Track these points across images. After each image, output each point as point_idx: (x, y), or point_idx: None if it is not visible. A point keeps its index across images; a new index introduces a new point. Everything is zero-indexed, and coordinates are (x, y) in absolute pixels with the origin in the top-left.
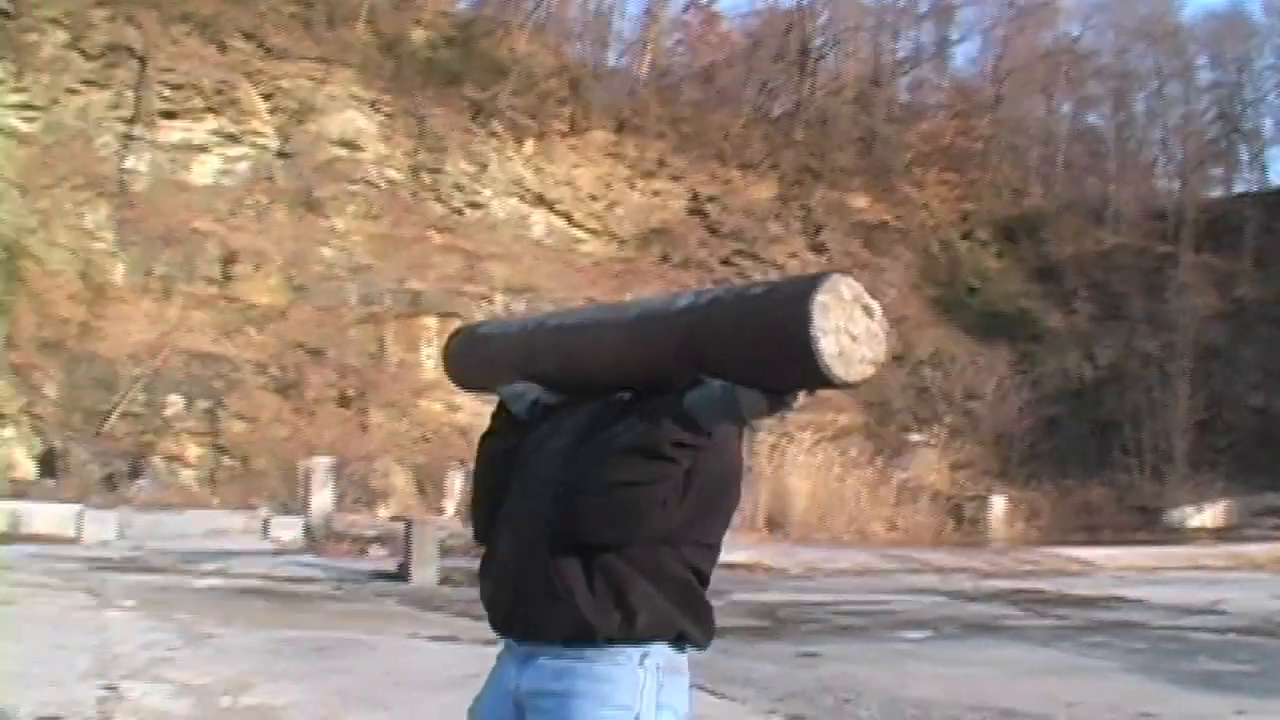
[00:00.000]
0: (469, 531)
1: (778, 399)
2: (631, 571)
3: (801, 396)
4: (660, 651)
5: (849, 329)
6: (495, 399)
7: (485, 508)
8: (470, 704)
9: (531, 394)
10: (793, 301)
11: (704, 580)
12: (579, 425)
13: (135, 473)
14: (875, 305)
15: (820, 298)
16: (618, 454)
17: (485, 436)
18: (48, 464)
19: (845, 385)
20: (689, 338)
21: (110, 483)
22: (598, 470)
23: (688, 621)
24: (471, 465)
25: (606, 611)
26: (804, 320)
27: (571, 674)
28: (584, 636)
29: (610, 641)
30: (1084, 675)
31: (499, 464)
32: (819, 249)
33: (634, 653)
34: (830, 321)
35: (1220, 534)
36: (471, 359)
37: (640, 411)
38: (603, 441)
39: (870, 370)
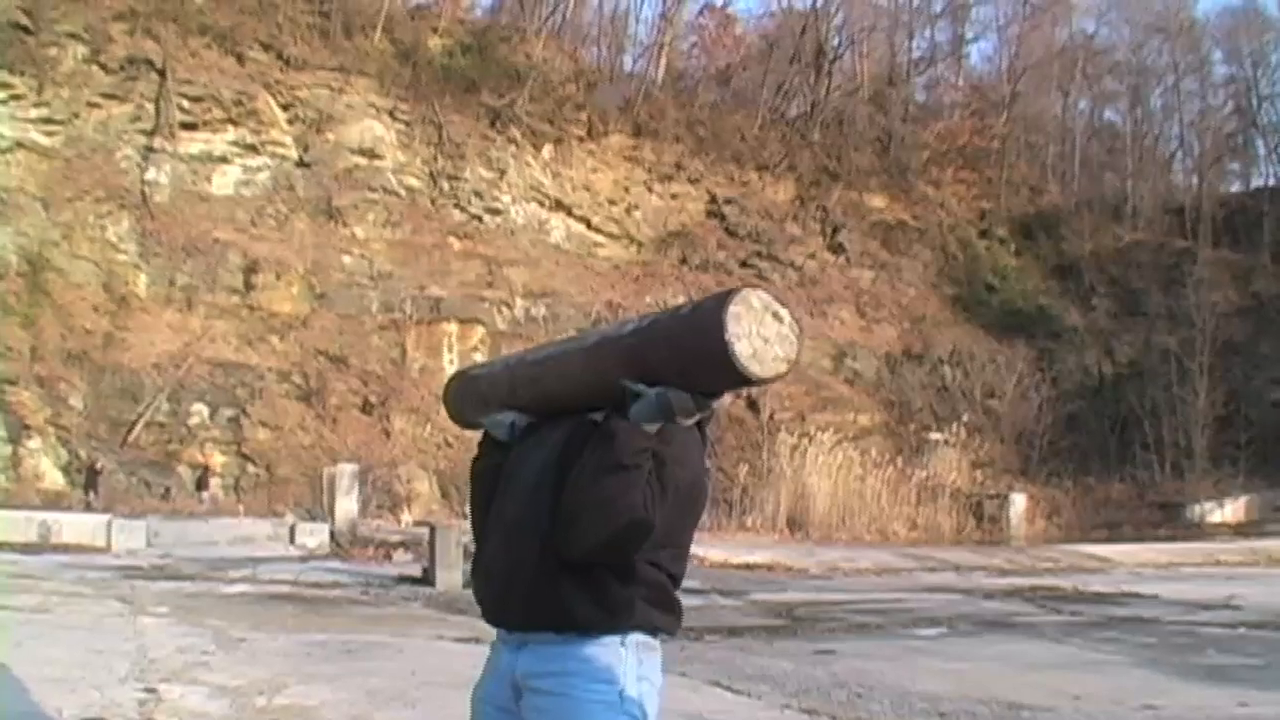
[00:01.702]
0: None
1: (701, 398)
2: (613, 579)
3: (728, 396)
4: (636, 635)
5: (761, 333)
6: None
7: (480, 522)
8: (472, 691)
9: (509, 418)
10: (710, 314)
11: (676, 581)
12: (558, 440)
13: (201, 484)
14: (784, 311)
15: (733, 309)
16: (591, 478)
17: (475, 460)
18: (90, 477)
19: (763, 381)
20: (634, 354)
21: (149, 491)
22: (581, 497)
23: (660, 616)
24: None
25: (590, 610)
26: (720, 329)
27: (563, 657)
28: (571, 628)
29: (594, 630)
30: (1092, 669)
31: (486, 480)
32: (837, 249)
33: (616, 638)
34: (743, 327)
35: (1240, 529)
36: (467, 398)
37: (597, 436)
38: (579, 468)
39: (784, 367)
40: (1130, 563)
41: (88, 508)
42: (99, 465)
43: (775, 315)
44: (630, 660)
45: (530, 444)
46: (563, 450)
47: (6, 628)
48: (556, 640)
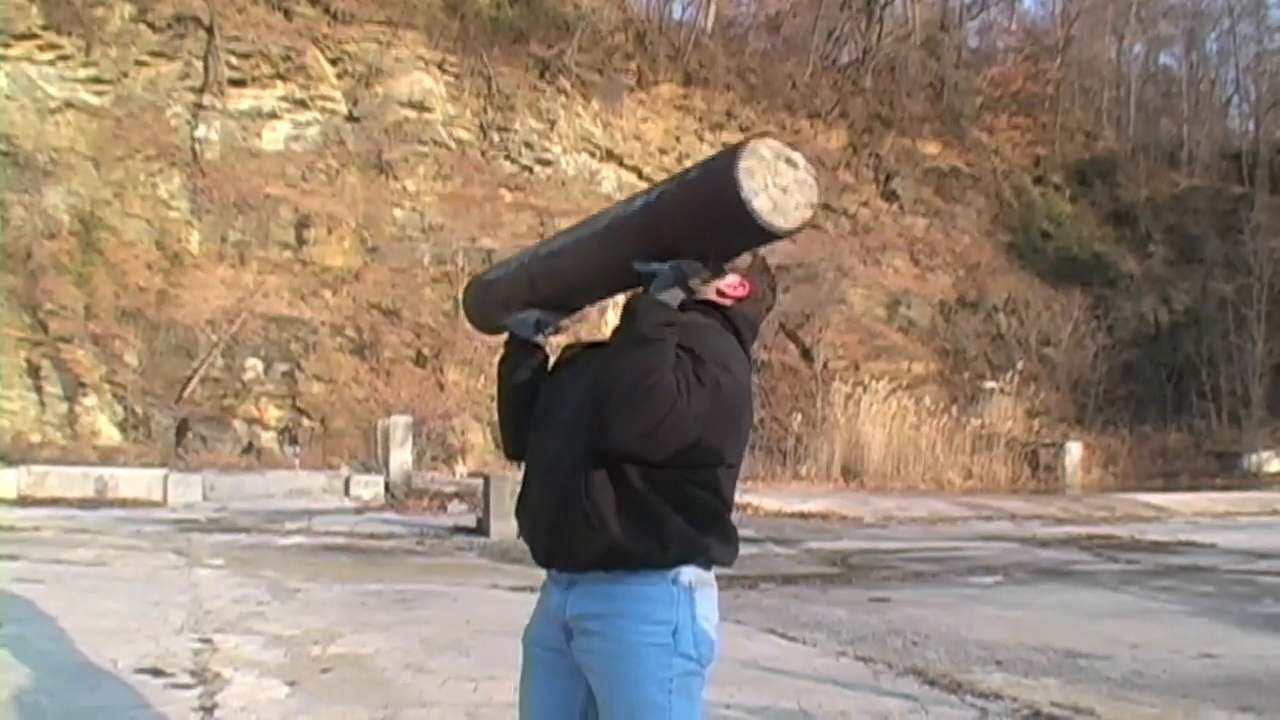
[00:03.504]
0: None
1: (714, 260)
2: (662, 504)
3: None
4: (690, 570)
5: (777, 183)
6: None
7: (510, 425)
8: (523, 634)
9: (533, 315)
10: (721, 174)
11: (727, 502)
12: (593, 374)
13: (292, 439)
14: (797, 156)
15: (744, 164)
16: (619, 356)
17: (501, 361)
18: (180, 434)
19: (788, 233)
20: (647, 230)
21: (205, 446)
22: (609, 376)
23: (716, 546)
24: None
25: (640, 540)
26: (735, 188)
27: (612, 596)
28: (620, 563)
29: (645, 566)
30: (1150, 618)
31: (512, 378)
32: (890, 197)
33: (666, 573)
34: (758, 181)
35: None
36: (486, 304)
37: (620, 318)
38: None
39: (808, 213)
40: (1187, 512)
41: (176, 459)
42: (142, 415)
43: (789, 161)
44: (683, 597)
45: (566, 377)
46: (597, 384)
47: (64, 581)
48: (605, 579)
